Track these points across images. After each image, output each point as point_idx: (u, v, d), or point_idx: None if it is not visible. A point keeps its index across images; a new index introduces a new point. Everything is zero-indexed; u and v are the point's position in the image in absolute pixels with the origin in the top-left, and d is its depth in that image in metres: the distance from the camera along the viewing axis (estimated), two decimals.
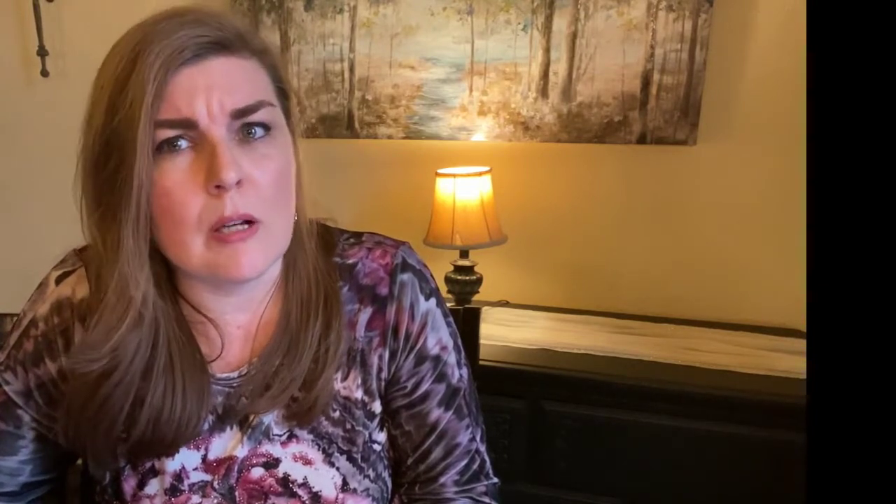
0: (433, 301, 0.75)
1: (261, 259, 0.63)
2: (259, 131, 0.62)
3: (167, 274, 0.67)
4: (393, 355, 0.73)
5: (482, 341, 1.04)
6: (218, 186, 0.59)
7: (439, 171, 1.67)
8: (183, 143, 0.60)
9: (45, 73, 2.04)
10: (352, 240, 0.76)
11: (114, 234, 0.61)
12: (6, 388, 0.72)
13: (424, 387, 0.75)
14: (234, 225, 0.61)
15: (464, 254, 1.70)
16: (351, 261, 0.74)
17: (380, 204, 1.92)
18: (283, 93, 0.67)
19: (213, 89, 0.59)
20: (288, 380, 0.69)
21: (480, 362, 1.03)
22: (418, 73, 1.80)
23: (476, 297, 1.73)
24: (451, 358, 0.76)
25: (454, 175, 1.64)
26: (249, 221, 0.61)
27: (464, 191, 1.62)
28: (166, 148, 0.59)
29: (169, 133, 0.59)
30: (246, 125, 0.61)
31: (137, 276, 0.62)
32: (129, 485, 0.72)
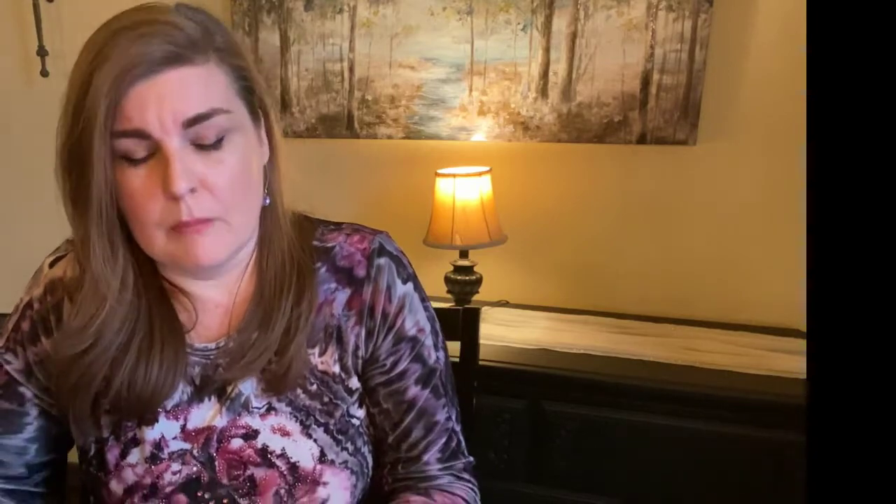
0: (410, 285, 0.78)
1: (219, 249, 0.67)
2: (213, 138, 0.65)
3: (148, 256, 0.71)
4: (370, 334, 0.76)
5: (482, 341, 1.04)
6: (174, 196, 0.63)
7: (439, 171, 1.67)
8: (141, 152, 0.64)
9: (45, 73, 2.04)
10: (331, 227, 0.80)
11: (84, 233, 0.67)
12: (7, 367, 0.76)
13: (402, 365, 0.77)
14: (194, 224, 0.65)
15: (463, 254, 1.70)
16: (329, 244, 0.78)
17: (380, 204, 1.92)
18: (249, 91, 0.70)
19: (164, 101, 0.62)
20: (262, 348, 0.72)
21: (480, 362, 1.03)
22: (418, 73, 1.80)
23: (476, 297, 1.73)
24: (429, 340, 0.79)
25: (454, 175, 1.64)
26: (208, 220, 0.66)
27: (464, 191, 1.62)
28: (129, 157, 0.64)
29: (128, 144, 0.63)
30: (201, 133, 0.64)
31: (108, 274, 0.67)
32: (112, 454, 0.74)
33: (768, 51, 1.59)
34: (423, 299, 0.80)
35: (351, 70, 1.85)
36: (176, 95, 0.63)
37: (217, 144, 0.65)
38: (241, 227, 0.69)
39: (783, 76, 1.58)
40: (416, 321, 0.78)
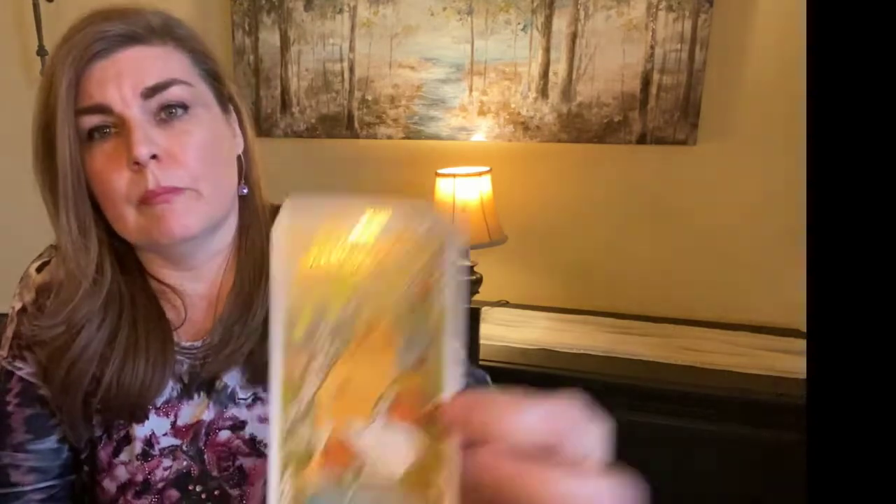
0: None
1: (191, 219, 0.66)
2: (178, 111, 0.66)
3: (132, 252, 0.72)
4: None
5: (482, 341, 1.04)
6: (136, 163, 0.63)
7: (439, 171, 1.67)
8: (108, 130, 0.65)
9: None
10: None
11: (55, 215, 0.68)
12: (21, 373, 0.75)
13: None
14: (162, 195, 0.65)
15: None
16: None
17: None
18: (215, 77, 0.71)
19: (122, 76, 0.64)
20: (243, 338, 0.71)
21: (480, 362, 1.03)
22: (418, 73, 1.80)
23: (476, 298, 1.73)
24: None
25: (454, 175, 1.64)
26: (177, 190, 0.65)
27: (464, 191, 1.62)
28: (96, 136, 0.65)
29: (92, 120, 0.64)
30: (164, 106, 0.65)
31: (80, 254, 0.67)
32: (105, 453, 0.74)
33: (768, 51, 1.59)
34: None
35: (351, 70, 1.85)
36: (133, 70, 0.64)
37: (182, 116, 0.66)
38: (213, 198, 0.68)
39: (783, 76, 1.58)
40: None
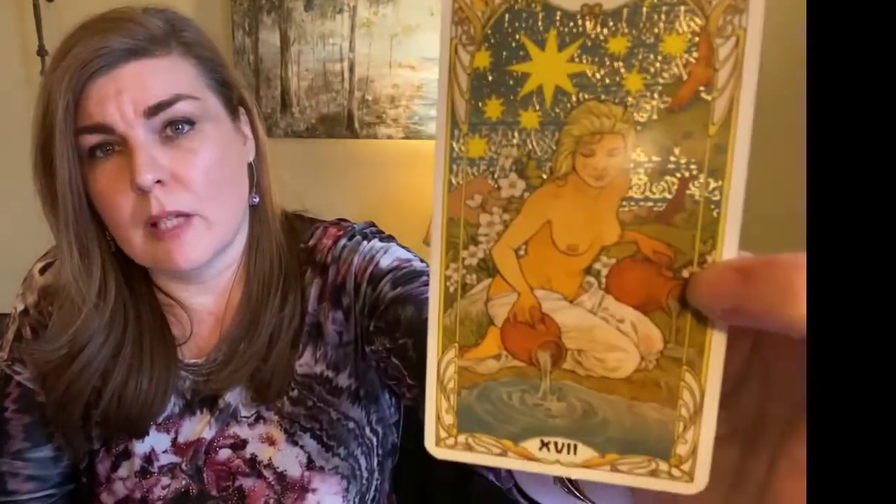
0: (378, 242, 0.71)
1: (199, 251, 0.63)
2: (184, 126, 0.62)
3: (138, 264, 0.69)
4: (347, 313, 0.70)
5: None
6: (140, 188, 0.60)
7: None
8: (110, 148, 0.62)
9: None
10: (322, 226, 0.76)
11: (57, 238, 0.65)
12: (18, 378, 0.73)
13: (391, 294, 0.65)
14: (169, 219, 0.62)
15: None
16: (312, 242, 0.73)
17: (380, 204, 1.93)
18: (224, 84, 0.67)
19: (122, 93, 0.60)
20: (248, 355, 0.68)
21: None
22: (418, 73, 1.80)
23: None
24: (418, 265, 0.68)
25: None
26: (183, 215, 0.62)
27: None
28: (99, 153, 0.62)
29: (93, 139, 0.61)
30: (169, 122, 0.62)
31: (81, 280, 0.65)
32: (103, 466, 0.72)
33: (768, 50, 1.59)
34: (407, 250, 0.72)
35: (351, 70, 1.86)
36: (135, 87, 0.60)
37: (188, 132, 0.62)
38: (221, 224, 0.65)
39: (783, 76, 1.58)
40: (395, 257, 0.68)
